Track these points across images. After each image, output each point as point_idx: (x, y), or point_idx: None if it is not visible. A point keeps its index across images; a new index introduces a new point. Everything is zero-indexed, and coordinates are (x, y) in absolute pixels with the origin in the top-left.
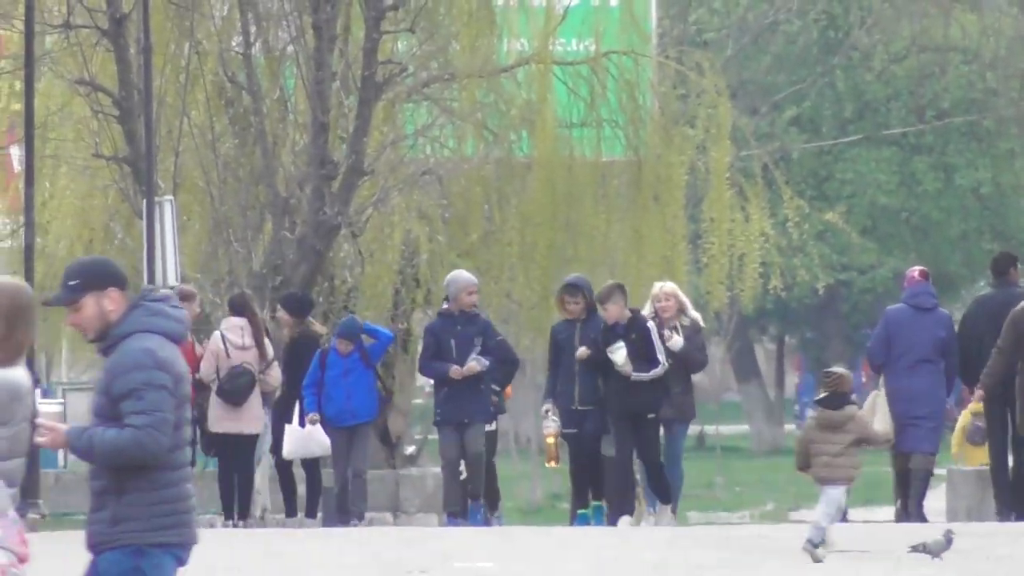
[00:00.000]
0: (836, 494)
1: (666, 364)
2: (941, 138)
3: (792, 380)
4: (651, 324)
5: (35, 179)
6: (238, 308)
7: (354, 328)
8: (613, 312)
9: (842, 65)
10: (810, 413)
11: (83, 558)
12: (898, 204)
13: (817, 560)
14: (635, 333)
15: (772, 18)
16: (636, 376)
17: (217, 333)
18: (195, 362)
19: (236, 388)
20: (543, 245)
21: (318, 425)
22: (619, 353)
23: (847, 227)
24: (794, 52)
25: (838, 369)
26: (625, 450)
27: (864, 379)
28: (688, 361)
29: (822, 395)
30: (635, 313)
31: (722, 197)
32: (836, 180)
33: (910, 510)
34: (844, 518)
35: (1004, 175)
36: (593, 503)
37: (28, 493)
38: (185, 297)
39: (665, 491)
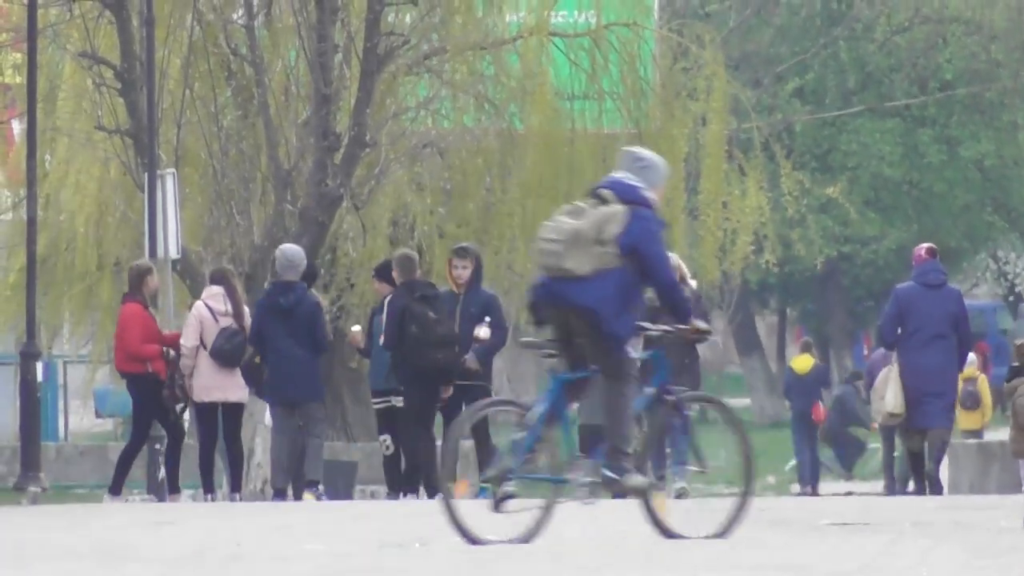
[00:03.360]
0: None
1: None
2: (944, 110)
3: (794, 353)
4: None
5: (37, 152)
6: (216, 278)
7: None
8: None
9: (845, 36)
10: None
11: (84, 530)
12: (901, 176)
13: None
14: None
15: None
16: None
17: (200, 302)
18: (156, 335)
19: (234, 347)
20: (543, 217)
21: None
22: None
23: (847, 201)
24: (797, 23)
25: (1021, 340)
26: None
27: (866, 352)
28: None
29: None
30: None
31: (719, 170)
32: (839, 152)
33: (928, 476)
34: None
35: (1007, 147)
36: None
37: (30, 466)
38: (143, 272)
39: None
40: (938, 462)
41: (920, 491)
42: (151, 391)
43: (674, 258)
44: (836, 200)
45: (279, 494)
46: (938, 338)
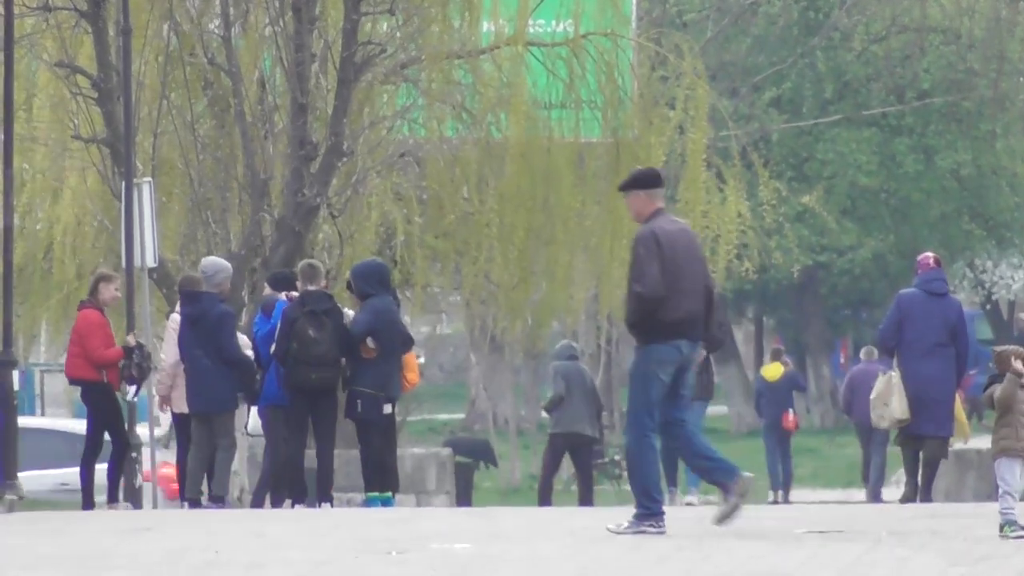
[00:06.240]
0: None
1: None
2: (921, 119)
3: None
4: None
5: (13, 161)
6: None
7: None
8: None
9: (822, 46)
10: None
11: (62, 537)
12: (878, 185)
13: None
14: None
15: None
16: None
17: (175, 315)
18: (113, 341)
19: None
20: (521, 227)
21: None
22: None
23: (824, 211)
24: (774, 33)
25: (999, 347)
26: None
27: (842, 360)
28: (707, 340)
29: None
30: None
31: (698, 179)
32: (816, 161)
33: (920, 494)
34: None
35: (984, 156)
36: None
37: (7, 474)
38: (98, 279)
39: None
40: (930, 480)
41: (913, 496)
42: (105, 399)
43: None
44: (813, 209)
45: (193, 503)
46: (939, 346)
